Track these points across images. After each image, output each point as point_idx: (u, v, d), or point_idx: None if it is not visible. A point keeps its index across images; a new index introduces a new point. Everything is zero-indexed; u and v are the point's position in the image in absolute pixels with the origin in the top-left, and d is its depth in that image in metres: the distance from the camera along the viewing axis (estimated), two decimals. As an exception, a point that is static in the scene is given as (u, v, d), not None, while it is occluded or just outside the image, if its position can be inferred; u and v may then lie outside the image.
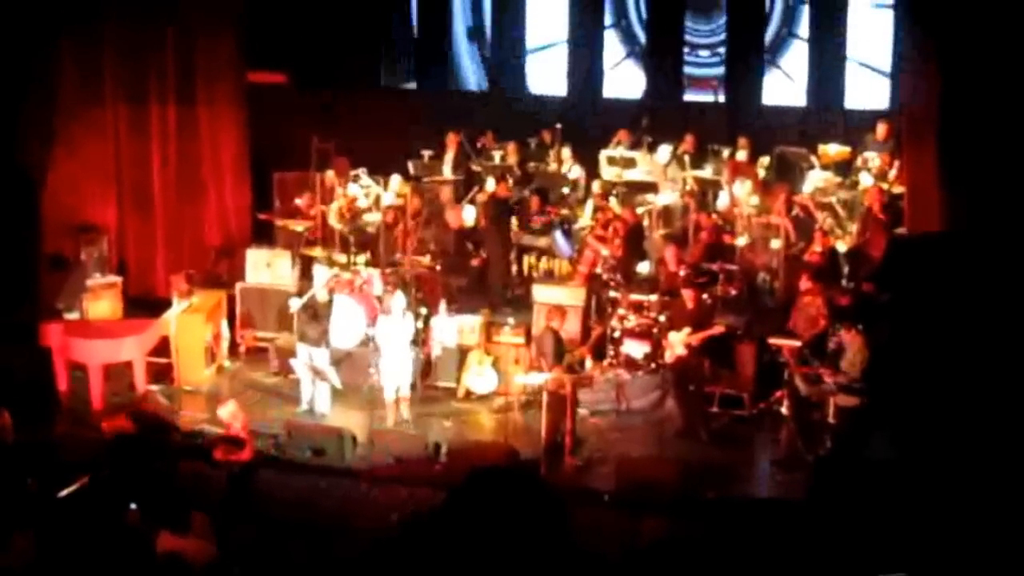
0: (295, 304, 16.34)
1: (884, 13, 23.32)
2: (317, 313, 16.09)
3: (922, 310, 14.10)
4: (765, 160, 21.48)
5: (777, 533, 12.28)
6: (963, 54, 14.66)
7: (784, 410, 15.30)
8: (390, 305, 15.96)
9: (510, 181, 20.76)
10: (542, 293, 17.57)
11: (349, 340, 16.90)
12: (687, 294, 15.90)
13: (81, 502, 11.66)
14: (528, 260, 20.23)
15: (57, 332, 16.34)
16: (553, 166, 21.88)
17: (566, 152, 21.93)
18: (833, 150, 21.25)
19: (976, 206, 14.61)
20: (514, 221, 19.99)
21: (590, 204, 20.41)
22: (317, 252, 18.62)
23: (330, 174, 20.36)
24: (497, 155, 22.18)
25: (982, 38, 14.42)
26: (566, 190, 21.21)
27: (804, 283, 16.47)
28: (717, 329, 15.85)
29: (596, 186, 20.59)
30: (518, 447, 14.59)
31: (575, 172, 21.54)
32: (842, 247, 18.50)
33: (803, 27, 24.28)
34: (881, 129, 20.83)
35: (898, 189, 18.97)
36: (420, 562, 4.13)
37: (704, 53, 24.92)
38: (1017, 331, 13.53)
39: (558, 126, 22.43)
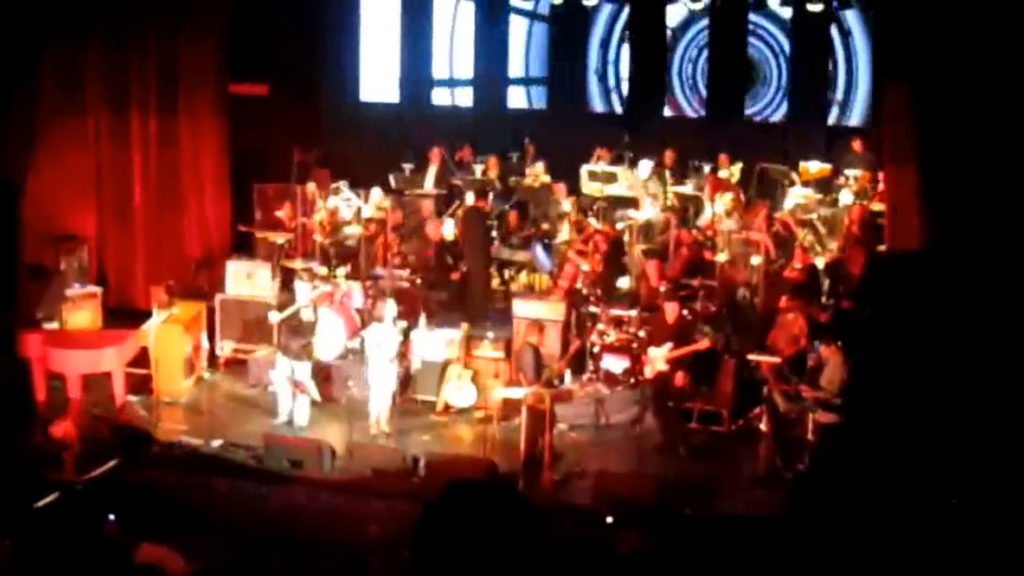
0: (275, 317, 16.25)
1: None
2: (301, 327, 16.02)
3: (901, 327, 14.14)
4: (737, 167, 21.60)
5: (755, 550, 12.30)
6: (938, 72, 14.74)
7: (763, 427, 15.31)
8: (381, 313, 15.96)
9: (490, 195, 20.78)
10: (522, 308, 17.59)
11: (329, 353, 16.88)
12: (669, 309, 15.91)
13: (59, 512, 11.63)
14: (508, 273, 20.25)
15: (36, 342, 16.25)
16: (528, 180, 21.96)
17: (540, 166, 21.98)
18: (814, 167, 21.37)
19: (955, 223, 14.68)
20: (494, 234, 20.02)
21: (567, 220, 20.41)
22: (297, 264, 18.59)
23: (311, 186, 20.35)
24: (478, 169, 22.23)
25: (957, 58, 14.50)
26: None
27: (785, 301, 16.52)
28: (703, 344, 15.86)
29: (566, 204, 20.58)
30: (497, 461, 14.57)
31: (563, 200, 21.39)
32: (821, 263, 18.57)
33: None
34: (856, 144, 20.98)
35: (878, 206, 19.05)
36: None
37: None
38: (996, 347, 13.59)
39: (526, 140, 22.57)
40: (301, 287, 16.25)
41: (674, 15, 26.26)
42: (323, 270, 18.72)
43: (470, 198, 20.44)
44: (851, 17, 24.25)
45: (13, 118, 16.33)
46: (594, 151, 22.32)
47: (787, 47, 25.19)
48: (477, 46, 26.73)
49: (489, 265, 19.71)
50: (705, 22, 25.78)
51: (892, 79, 16.43)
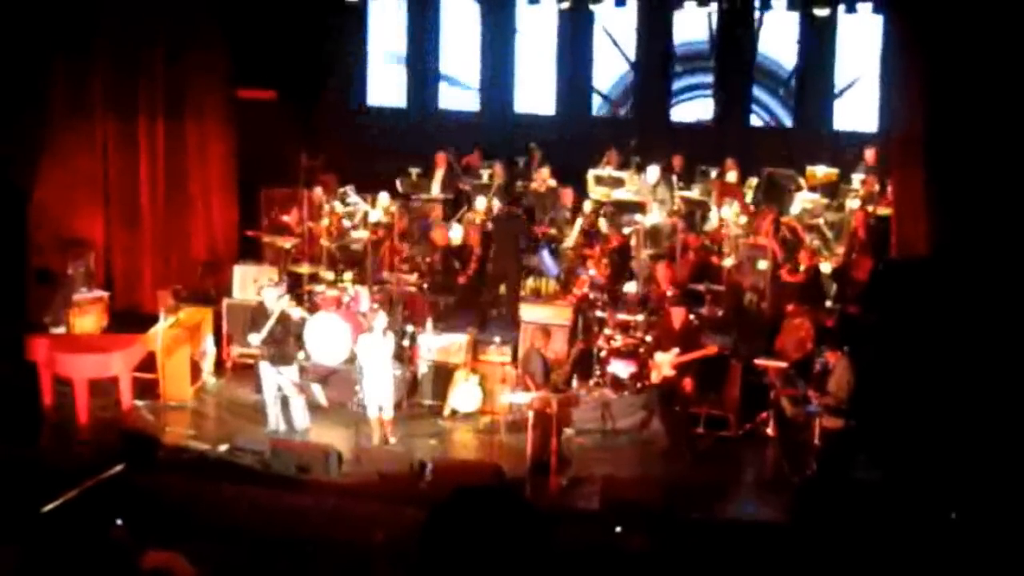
0: (255, 339, 15.78)
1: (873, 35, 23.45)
2: (286, 331, 15.85)
3: (908, 332, 14.14)
4: (753, 181, 21.55)
5: (762, 555, 12.29)
6: (950, 78, 14.74)
7: (770, 431, 15.31)
8: (372, 323, 15.92)
9: (495, 200, 20.80)
10: (529, 312, 17.58)
11: (334, 357, 16.89)
12: (675, 313, 15.90)
13: (66, 517, 11.63)
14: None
15: (43, 346, 16.28)
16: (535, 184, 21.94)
17: (545, 171, 21.95)
18: (821, 172, 21.33)
19: (962, 229, 14.67)
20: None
21: (578, 223, 20.37)
22: (304, 269, 18.61)
23: (318, 191, 20.36)
24: (485, 174, 22.23)
25: (969, 62, 14.49)
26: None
27: (792, 306, 16.53)
28: (711, 349, 15.85)
29: (586, 206, 20.55)
30: (504, 466, 14.56)
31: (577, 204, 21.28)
32: (828, 268, 18.55)
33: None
34: (869, 154, 20.92)
35: (884, 211, 19.03)
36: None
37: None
38: (1002, 352, 13.58)
39: (532, 145, 22.56)
40: (268, 293, 15.93)
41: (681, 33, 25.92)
42: (329, 275, 18.74)
43: (481, 202, 20.48)
44: (859, 20, 24.15)
45: (22, 124, 16.36)
46: (604, 154, 22.33)
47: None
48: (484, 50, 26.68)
49: (522, 270, 19.53)
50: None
51: (904, 85, 16.44)
